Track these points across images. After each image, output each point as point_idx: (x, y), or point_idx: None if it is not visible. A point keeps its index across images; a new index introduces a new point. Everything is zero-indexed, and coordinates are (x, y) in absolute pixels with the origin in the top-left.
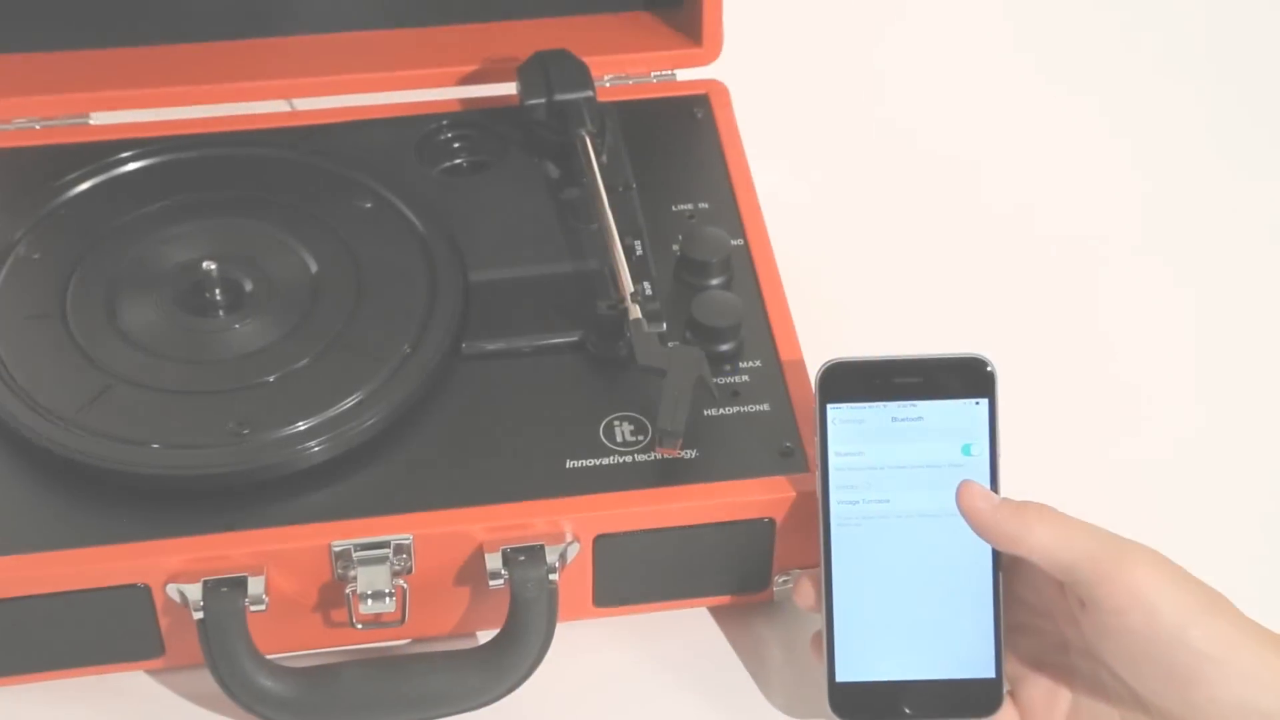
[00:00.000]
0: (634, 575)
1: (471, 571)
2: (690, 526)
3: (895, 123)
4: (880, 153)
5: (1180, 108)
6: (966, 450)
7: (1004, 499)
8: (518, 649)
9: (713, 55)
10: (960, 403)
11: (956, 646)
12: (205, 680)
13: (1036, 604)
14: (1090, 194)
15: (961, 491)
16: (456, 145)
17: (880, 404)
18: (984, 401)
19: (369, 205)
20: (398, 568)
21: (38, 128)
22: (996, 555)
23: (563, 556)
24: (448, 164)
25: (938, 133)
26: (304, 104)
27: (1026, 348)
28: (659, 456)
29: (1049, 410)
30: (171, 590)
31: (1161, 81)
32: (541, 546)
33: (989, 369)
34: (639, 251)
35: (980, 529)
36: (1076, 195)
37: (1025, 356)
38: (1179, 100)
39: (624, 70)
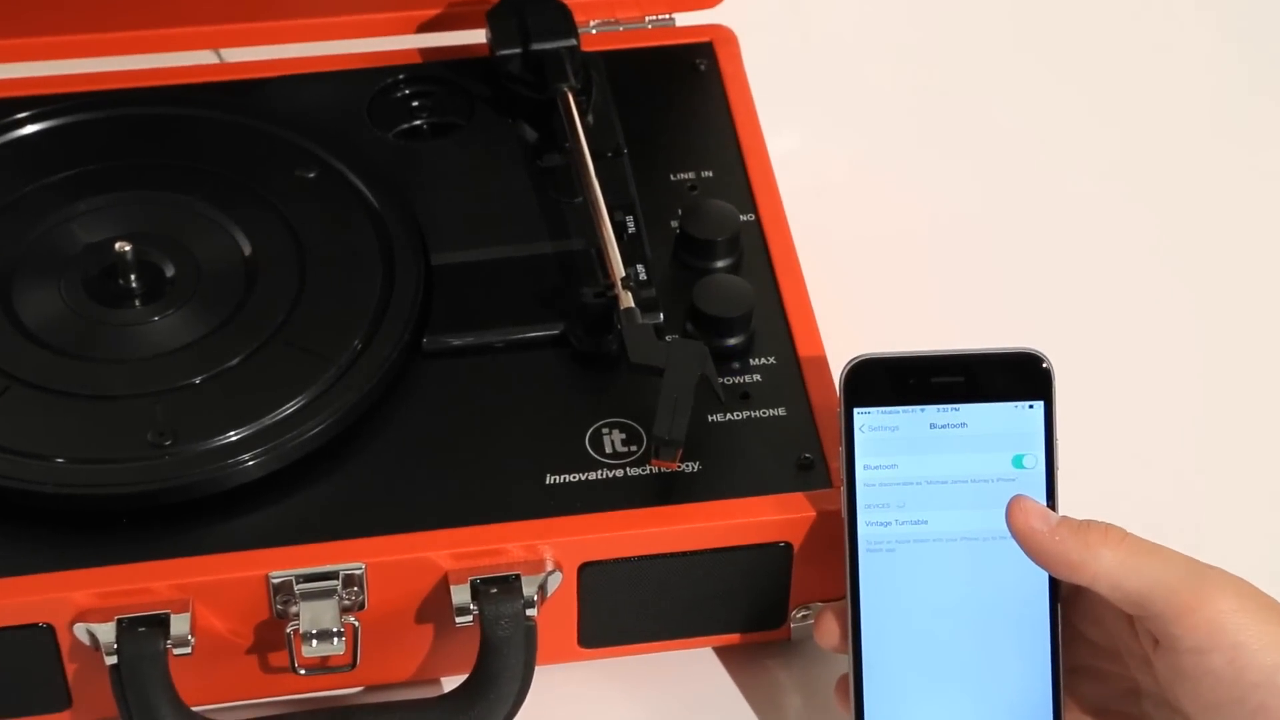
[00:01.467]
0: (626, 610)
1: (435, 607)
2: (692, 553)
3: (935, 78)
4: (918, 113)
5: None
6: (1018, 462)
7: (1063, 517)
8: (489, 697)
9: None
10: (1011, 406)
11: (1007, 693)
12: None
13: (1102, 642)
14: (1173, 178)
15: (1013, 509)
16: (416, 104)
17: (916, 408)
18: (1039, 404)
19: (313, 175)
20: (347, 602)
21: None
22: (1055, 585)
23: (542, 588)
24: (405, 126)
25: (988, 93)
26: (234, 55)
27: (1088, 343)
28: (655, 470)
29: (1116, 416)
30: (79, 631)
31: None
32: (517, 577)
33: (1044, 365)
34: (631, 229)
35: (1035, 553)
36: (1160, 180)
37: (1087, 353)
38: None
39: (613, 14)
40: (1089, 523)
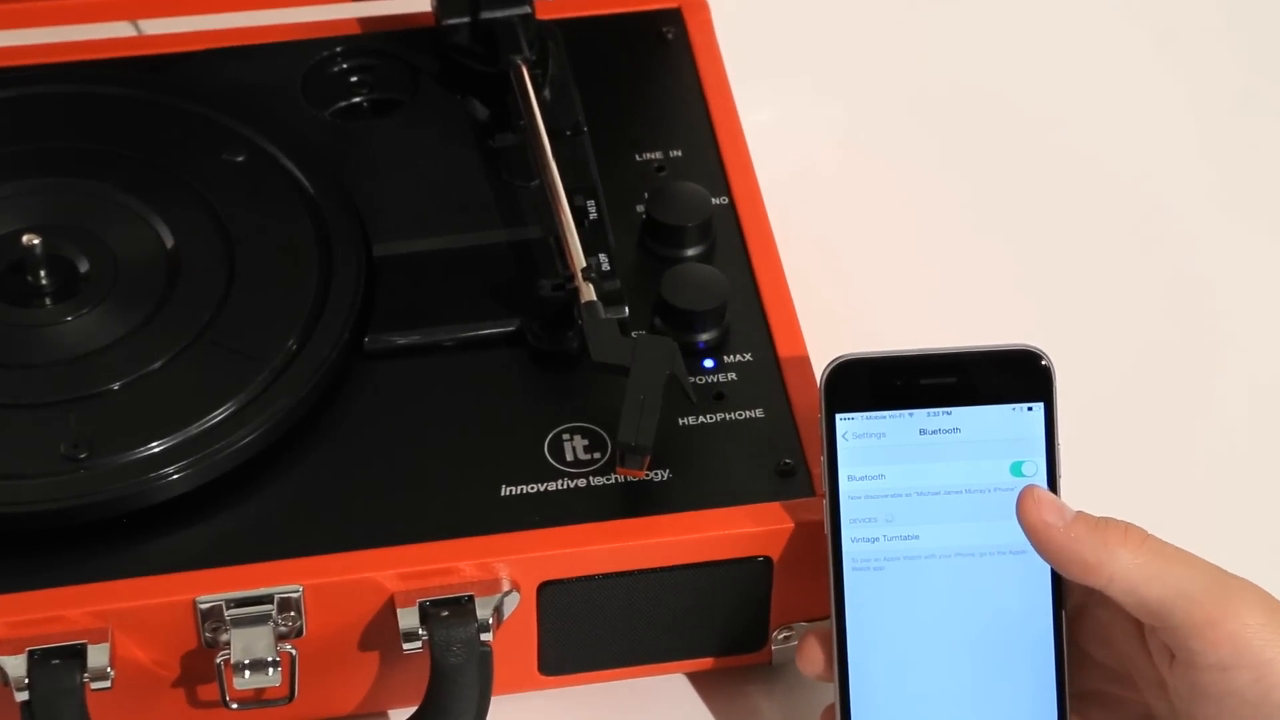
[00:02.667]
0: (591, 633)
1: (380, 632)
2: (663, 569)
3: (926, 48)
4: (908, 86)
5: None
6: (1017, 470)
7: (1080, 513)
8: None
9: None
10: (1008, 408)
11: None
12: None
13: (1111, 664)
14: (1170, 162)
15: (1025, 500)
16: (354, 79)
17: (904, 413)
18: (1038, 406)
19: (241, 159)
20: (284, 629)
21: None
22: (1059, 604)
23: (498, 611)
24: (343, 104)
25: (984, 64)
26: (154, 26)
27: (1092, 339)
28: (621, 479)
29: (1123, 418)
30: None
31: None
32: (470, 598)
33: (1044, 363)
34: (593, 214)
35: (1047, 550)
36: (1153, 166)
37: (1091, 349)
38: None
39: None
40: (1108, 520)
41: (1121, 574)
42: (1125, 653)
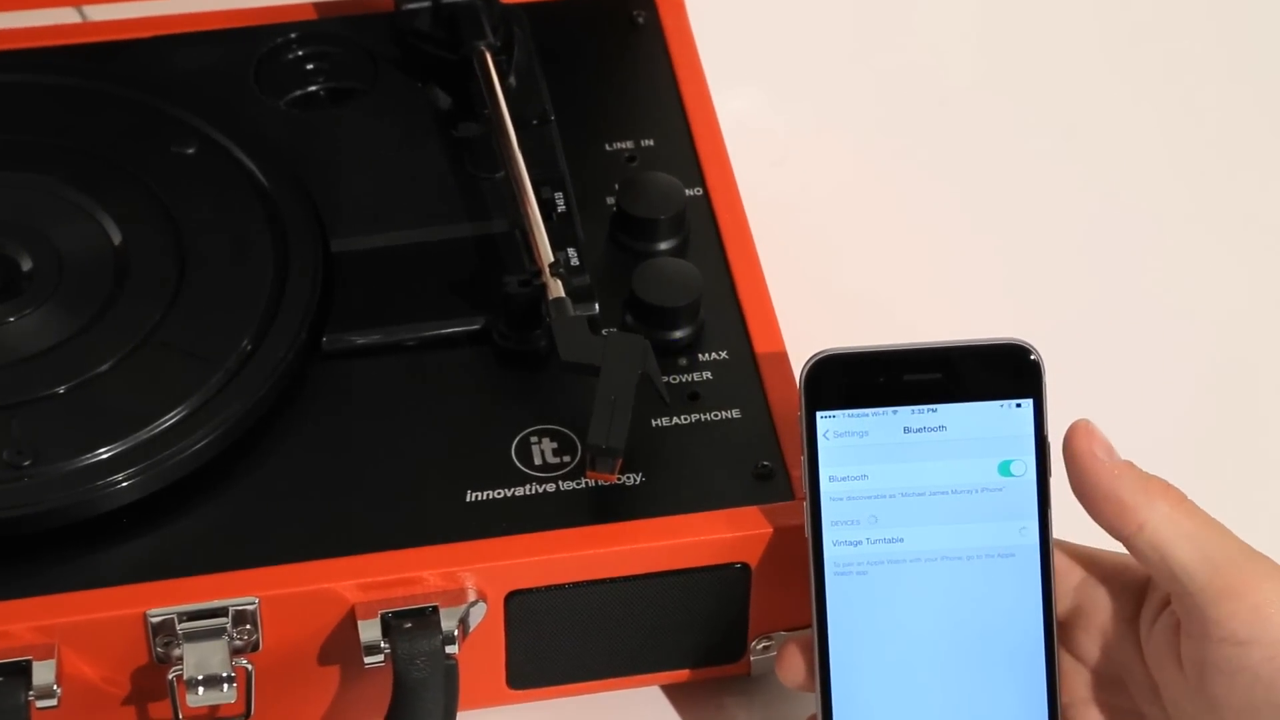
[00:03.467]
0: (561, 645)
1: (340, 646)
2: (636, 577)
3: (909, 31)
4: (891, 72)
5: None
6: (1005, 469)
7: (1128, 460)
8: None
9: None
10: (996, 405)
11: None
12: None
13: (1104, 670)
14: (1161, 160)
15: (1076, 430)
16: (310, 67)
17: (888, 410)
18: (1027, 403)
19: (191, 151)
20: (239, 643)
21: None
22: (1050, 608)
23: (463, 622)
24: (299, 93)
25: (971, 47)
26: (100, 12)
27: (1083, 332)
28: (592, 484)
29: (1116, 415)
30: None
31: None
32: (435, 609)
33: (1033, 358)
34: (561, 207)
35: (1086, 483)
36: (1147, 158)
37: (1082, 343)
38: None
39: None
40: (1151, 474)
41: (1154, 525)
42: (1120, 658)
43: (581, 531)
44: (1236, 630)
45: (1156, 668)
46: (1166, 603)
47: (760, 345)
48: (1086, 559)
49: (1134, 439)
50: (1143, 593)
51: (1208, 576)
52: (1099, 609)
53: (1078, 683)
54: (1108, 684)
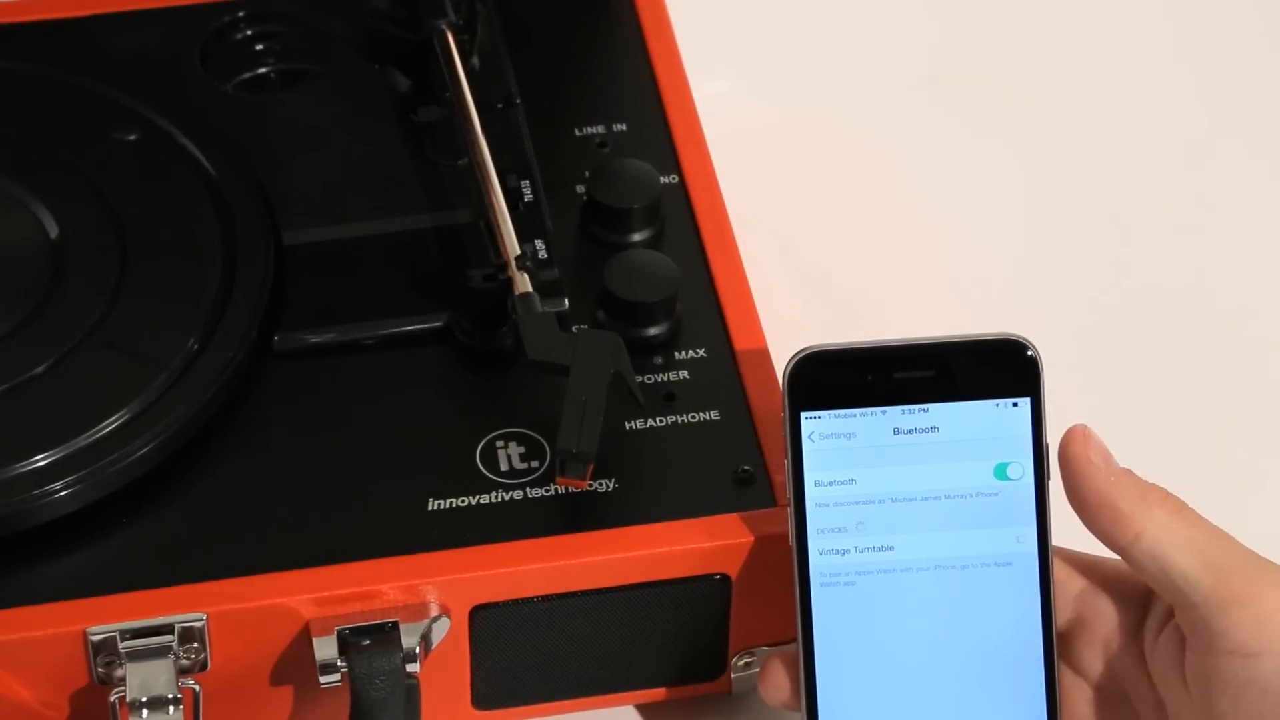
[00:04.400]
0: (530, 663)
1: (294, 664)
2: (609, 590)
3: (900, 12)
4: (878, 51)
5: None
6: (1001, 472)
7: (1126, 468)
8: None
9: None
10: (991, 405)
11: None
12: None
13: (1106, 684)
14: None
15: (1073, 435)
16: (260, 48)
17: (877, 410)
18: (1024, 402)
19: (133, 138)
20: (186, 662)
21: None
22: (1049, 619)
23: (425, 639)
24: (248, 75)
25: (962, 31)
26: None
27: (1083, 328)
28: (561, 490)
29: (1117, 415)
30: None
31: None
32: (395, 625)
33: (1030, 354)
34: (527, 196)
35: (1082, 490)
36: (1145, 150)
37: (1081, 340)
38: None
39: None
40: (1149, 482)
41: (1152, 532)
42: (1122, 671)
43: (551, 542)
44: (1243, 641)
45: (1162, 683)
46: (1172, 614)
47: (740, 342)
48: (1088, 567)
49: (1134, 440)
50: (1147, 603)
51: (1211, 585)
52: (1101, 620)
53: (1079, 699)
54: (1111, 700)
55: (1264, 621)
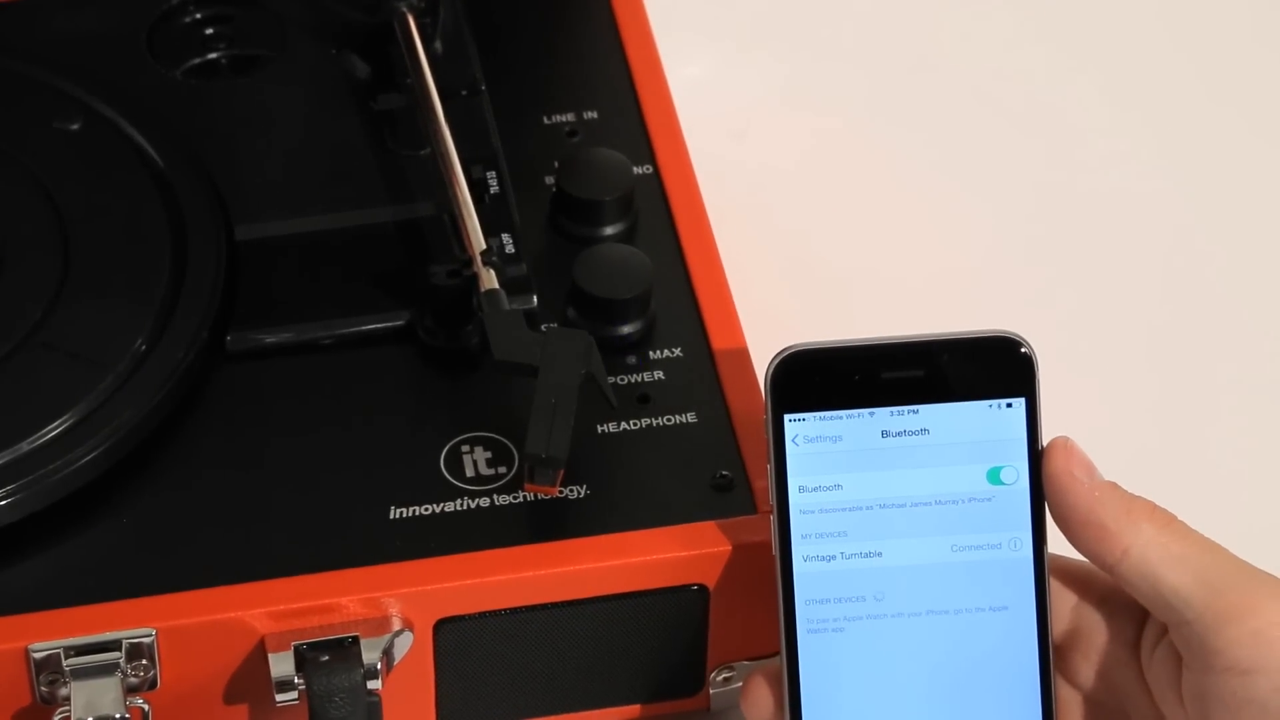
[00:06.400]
0: (498, 679)
1: (249, 681)
2: (581, 602)
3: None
4: (863, 35)
5: None
6: (995, 476)
7: (1110, 481)
8: None
9: None
10: (984, 405)
11: None
12: None
13: (1105, 699)
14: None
15: (1055, 448)
16: (210, 32)
17: (864, 412)
18: (1019, 403)
19: (76, 127)
20: (134, 680)
21: None
22: (1045, 632)
23: (387, 654)
24: (198, 61)
25: (947, 12)
26: None
27: (1080, 324)
28: (530, 497)
29: (1116, 415)
30: None
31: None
32: (355, 639)
33: (1024, 351)
34: (493, 188)
35: (1064, 505)
36: (1147, 147)
37: (1078, 337)
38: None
39: None
40: (1136, 495)
41: (1140, 548)
42: (1121, 686)
43: (519, 551)
44: (1240, 658)
45: (1161, 700)
46: (1166, 629)
47: (718, 341)
48: (1085, 576)
49: (1133, 441)
50: (1145, 616)
51: (1204, 601)
52: (1099, 632)
53: (1075, 714)
54: (1109, 716)
55: (1260, 637)
